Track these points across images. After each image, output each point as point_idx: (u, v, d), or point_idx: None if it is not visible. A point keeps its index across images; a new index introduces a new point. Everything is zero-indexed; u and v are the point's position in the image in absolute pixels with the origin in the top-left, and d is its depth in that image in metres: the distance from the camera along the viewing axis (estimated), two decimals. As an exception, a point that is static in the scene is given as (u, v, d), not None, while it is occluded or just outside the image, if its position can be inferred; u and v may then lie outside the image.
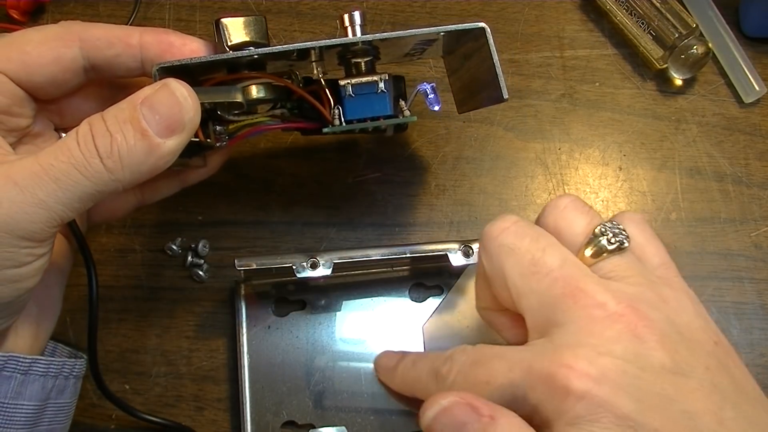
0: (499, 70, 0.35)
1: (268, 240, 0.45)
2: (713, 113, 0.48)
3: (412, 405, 0.38)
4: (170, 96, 0.29)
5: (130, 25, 0.48)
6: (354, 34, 0.36)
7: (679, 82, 0.49)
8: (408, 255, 0.41)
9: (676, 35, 0.47)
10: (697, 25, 0.47)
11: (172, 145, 0.29)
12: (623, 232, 0.30)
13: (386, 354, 0.39)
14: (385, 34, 0.35)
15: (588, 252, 0.29)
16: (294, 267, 0.39)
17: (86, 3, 0.50)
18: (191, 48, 0.34)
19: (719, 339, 0.28)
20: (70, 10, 0.49)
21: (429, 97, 0.38)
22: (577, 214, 0.31)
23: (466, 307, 0.43)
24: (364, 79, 0.37)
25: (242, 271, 0.40)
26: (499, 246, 0.30)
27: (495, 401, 0.27)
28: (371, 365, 0.41)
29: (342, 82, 0.36)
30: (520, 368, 0.27)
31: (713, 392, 0.26)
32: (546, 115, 0.48)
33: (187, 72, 0.34)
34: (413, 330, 0.42)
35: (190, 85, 0.31)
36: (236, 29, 0.34)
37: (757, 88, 0.48)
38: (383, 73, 0.37)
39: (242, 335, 0.41)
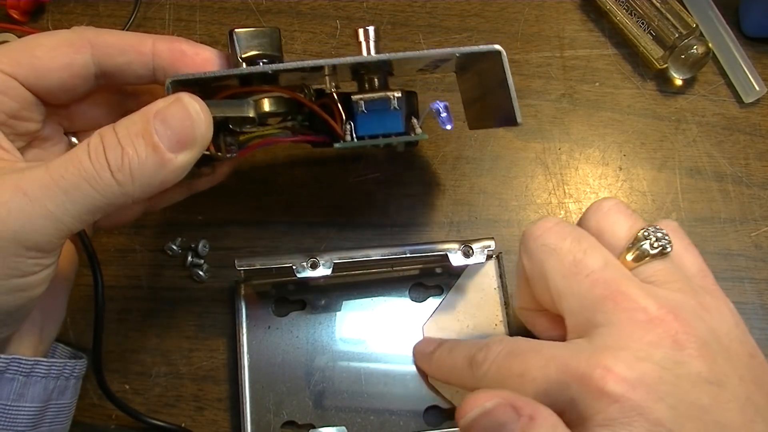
0: (513, 94, 0.35)
1: (268, 240, 0.45)
2: (713, 113, 0.48)
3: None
4: (183, 111, 0.29)
5: (130, 25, 0.48)
6: (368, 49, 0.35)
7: (679, 82, 0.49)
8: (408, 255, 0.41)
9: (676, 35, 0.47)
10: (697, 25, 0.47)
11: (183, 160, 0.29)
12: (666, 237, 0.29)
13: (425, 340, 0.39)
14: (400, 54, 0.35)
15: (630, 256, 0.29)
16: (294, 267, 0.39)
17: (86, 3, 0.50)
18: (204, 57, 0.33)
19: (755, 352, 0.28)
20: (70, 9, 0.49)
21: (441, 116, 0.38)
22: (620, 217, 0.31)
23: (466, 307, 0.43)
24: (376, 95, 0.36)
25: (242, 271, 0.40)
26: (541, 246, 0.30)
27: (527, 394, 0.27)
28: (371, 365, 0.41)
29: (355, 98, 0.36)
30: (555, 364, 0.27)
31: (747, 405, 0.26)
32: (546, 115, 0.48)
33: (200, 84, 0.34)
34: (413, 330, 0.42)
35: (202, 97, 0.30)
36: (249, 41, 0.34)
37: (757, 88, 0.48)
38: (396, 89, 0.36)
39: (242, 335, 0.41)
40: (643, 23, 0.48)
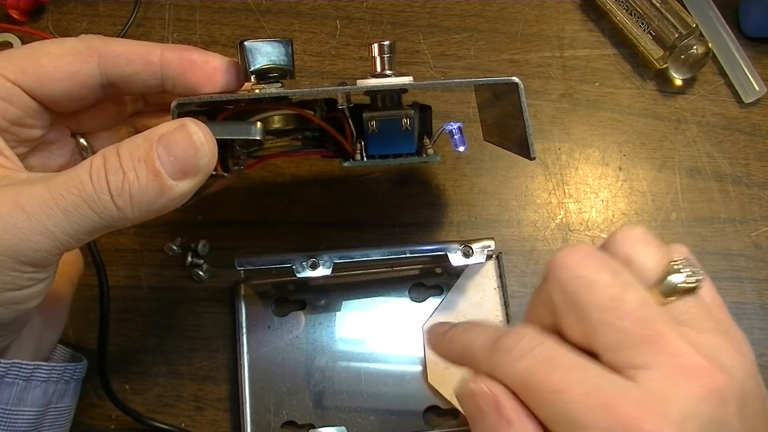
0: (529, 129, 0.34)
1: (268, 240, 0.45)
2: (713, 113, 0.48)
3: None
4: (187, 139, 0.28)
5: (130, 25, 0.48)
6: (383, 64, 0.34)
7: (679, 82, 0.49)
8: (408, 255, 0.41)
9: (676, 35, 0.47)
10: (697, 25, 0.47)
11: (184, 187, 0.28)
12: (700, 271, 0.28)
13: (438, 323, 0.37)
14: (416, 83, 0.34)
15: (660, 290, 0.28)
16: (294, 267, 0.39)
17: (86, 3, 0.50)
18: (213, 65, 0.33)
19: (765, 394, 0.28)
20: (70, 10, 0.49)
21: (454, 137, 0.37)
22: (649, 248, 0.30)
23: (466, 307, 0.43)
24: (388, 114, 0.35)
25: (242, 271, 0.40)
26: (575, 278, 0.28)
27: (553, 414, 0.26)
28: (371, 365, 0.41)
29: (366, 116, 0.35)
30: (600, 399, 0.25)
31: None
32: (546, 115, 0.48)
33: (207, 102, 0.33)
34: (413, 330, 0.42)
35: (209, 114, 0.30)
36: (259, 52, 0.33)
37: (757, 88, 0.48)
38: (409, 108, 0.36)
39: (242, 335, 0.41)
40: (643, 23, 0.48)
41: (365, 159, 0.36)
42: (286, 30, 0.49)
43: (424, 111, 0.38)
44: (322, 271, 0.39)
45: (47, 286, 0.29)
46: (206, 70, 0.32)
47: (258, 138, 0.33)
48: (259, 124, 0.33)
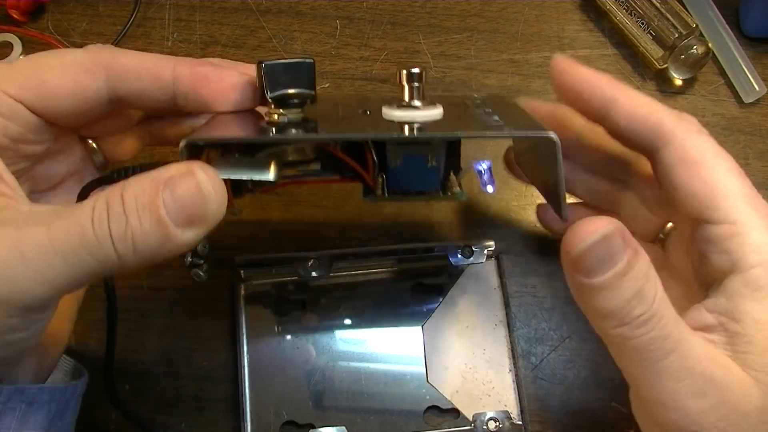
0: (562, 188, 0.31)
1: (268, 240, 0.45)
2: (713, 113, 0.48)
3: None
4: (194, 187, 0.26)
5: (130, 25, 0.48)
6: (411, 94, 0.31)
7: (679, 82, 0.49)
8: (408, 255, 0.41)
9: (676, 35, 0.47)
10: (697, 25, 0.47)
11: (189, 236, 0.27)
12: None
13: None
14: (450, 134, 0.31)
15: None
16: (294, 267, 0.39)
17: (86, 3, 0.50)
18: (228, 82, 0.31)
19: None
20: (70, 10, 0.49)
21: (483, 177, 0.35)
22: None
23: (466, 306, 0.43)
24: (414, 149, 0.33)
25: (242, 271, 0.40)
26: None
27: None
28: (371, 365, 0.41)
29: (390, 149, 0.33)
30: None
31: None
32: (546, 115, 0.48)
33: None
34: (413, 330, 0.42)
35: (222, 142, 0.28)
36: (279, 75, 0.30)
37: (757, 88, 0.48)
38: (437, 142, 0.33)
39: (242, 335, 0.41)
40: (643, 23, 0.48)
41: (386, 194, 0.34)
42: (286, 30, 0.49)
43: (451, 146, 0.35)
44: (322, 271, 0.39)
45: (45, 325, 0.28)
46: (221, 86, 0.31)
47: (271, 179, 0.31)
48: (273, 165, 0.31)
